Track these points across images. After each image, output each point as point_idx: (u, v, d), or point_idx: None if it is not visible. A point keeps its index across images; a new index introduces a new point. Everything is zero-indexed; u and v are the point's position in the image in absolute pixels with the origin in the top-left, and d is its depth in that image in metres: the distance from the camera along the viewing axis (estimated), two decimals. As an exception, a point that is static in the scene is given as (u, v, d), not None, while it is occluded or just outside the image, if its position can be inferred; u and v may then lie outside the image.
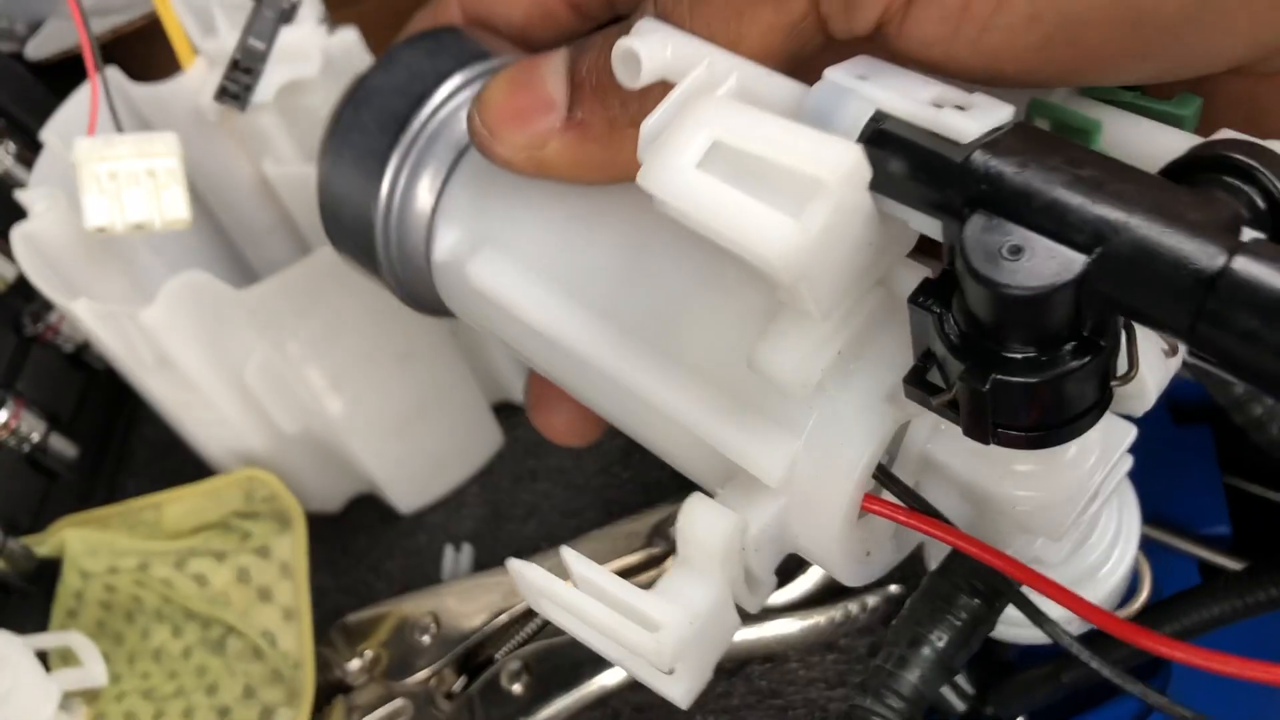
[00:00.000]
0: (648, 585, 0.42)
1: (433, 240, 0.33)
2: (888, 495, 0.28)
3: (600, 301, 0.30)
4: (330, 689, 0.51)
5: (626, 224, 0.30)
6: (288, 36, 0.50)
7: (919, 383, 0.24)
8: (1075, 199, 0.21)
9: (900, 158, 0.23)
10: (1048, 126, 0.29)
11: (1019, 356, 0.22)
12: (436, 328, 0.51)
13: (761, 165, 0.23)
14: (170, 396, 0.50)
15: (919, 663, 0.30)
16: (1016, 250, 0.21)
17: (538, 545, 0.54)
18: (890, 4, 0.24)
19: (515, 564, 0.28)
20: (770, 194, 0.22)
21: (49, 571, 0.54)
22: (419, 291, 0.35)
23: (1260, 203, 0.23)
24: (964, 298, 0.22)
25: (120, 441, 0.62)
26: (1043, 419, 0.23)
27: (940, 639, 0.30)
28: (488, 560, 0.54)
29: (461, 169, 0.32)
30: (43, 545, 0.54)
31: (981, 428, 0.23)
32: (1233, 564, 0.45)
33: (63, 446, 0.58)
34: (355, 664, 0.51)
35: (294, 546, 0.51)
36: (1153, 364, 0.28)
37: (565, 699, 0.48)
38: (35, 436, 0.56)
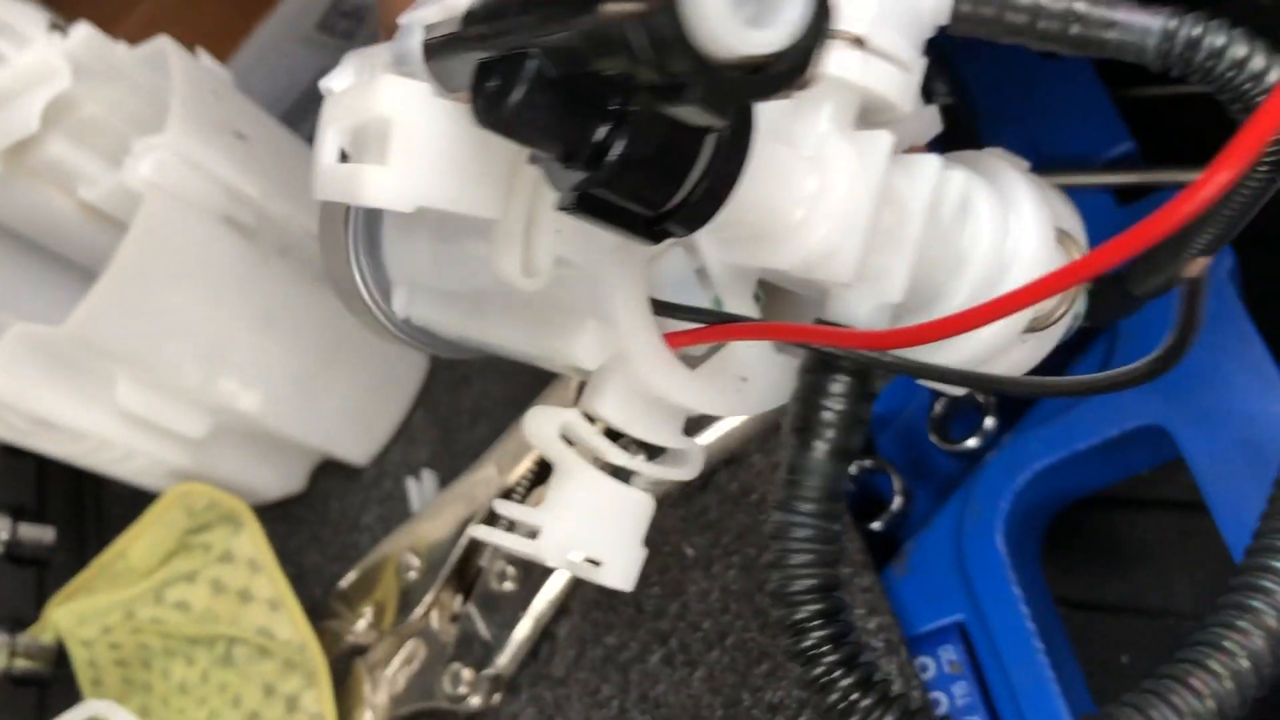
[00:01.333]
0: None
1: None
2: None
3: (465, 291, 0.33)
4: (349, 656, 0.51)
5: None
6: (22, 61, 0.47)
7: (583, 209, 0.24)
8: None
9: (440, 53, 0.25)
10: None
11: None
12: (287, 280, 0.49)
13: (365, 130, 0.25)
14: (69, 450, 0.49)
15: (816, 464, 0.29)
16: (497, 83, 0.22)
17: (491, 445, 0.52)
18: None
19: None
20: (372, 153, 0.25)
21: (65, 654, 0.55)
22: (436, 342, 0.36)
23: None
24: None
25: (94, 505, 0.62)
26: (662, 199, 0.23)
27: (827, 432, 0.29)
28: (451, 477, 0.53)
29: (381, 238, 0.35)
30: (44, 633, 0.54)
31: (639, 231, 0.24)
32: (1148, 177, 0.41)
33: (37, 533, 0.58)
34: (361, 624, 0.51)
35: (253, 540, 0.50)
36: None
37: (556, 580, 0.47)
38: (4, 535, 0.57)
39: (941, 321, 0.24)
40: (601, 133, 0.21)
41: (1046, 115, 0.43)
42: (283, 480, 0.55)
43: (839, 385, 0.29)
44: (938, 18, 0.27)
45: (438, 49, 0.25)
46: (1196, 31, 0.25)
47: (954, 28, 0.27)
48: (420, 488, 0.53)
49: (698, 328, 0.29)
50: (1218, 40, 0.25)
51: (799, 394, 0.30)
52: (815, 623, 0.28)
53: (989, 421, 0.42)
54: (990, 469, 0.41)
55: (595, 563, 0.31)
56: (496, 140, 0.24)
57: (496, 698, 0.48)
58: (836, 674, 0.28)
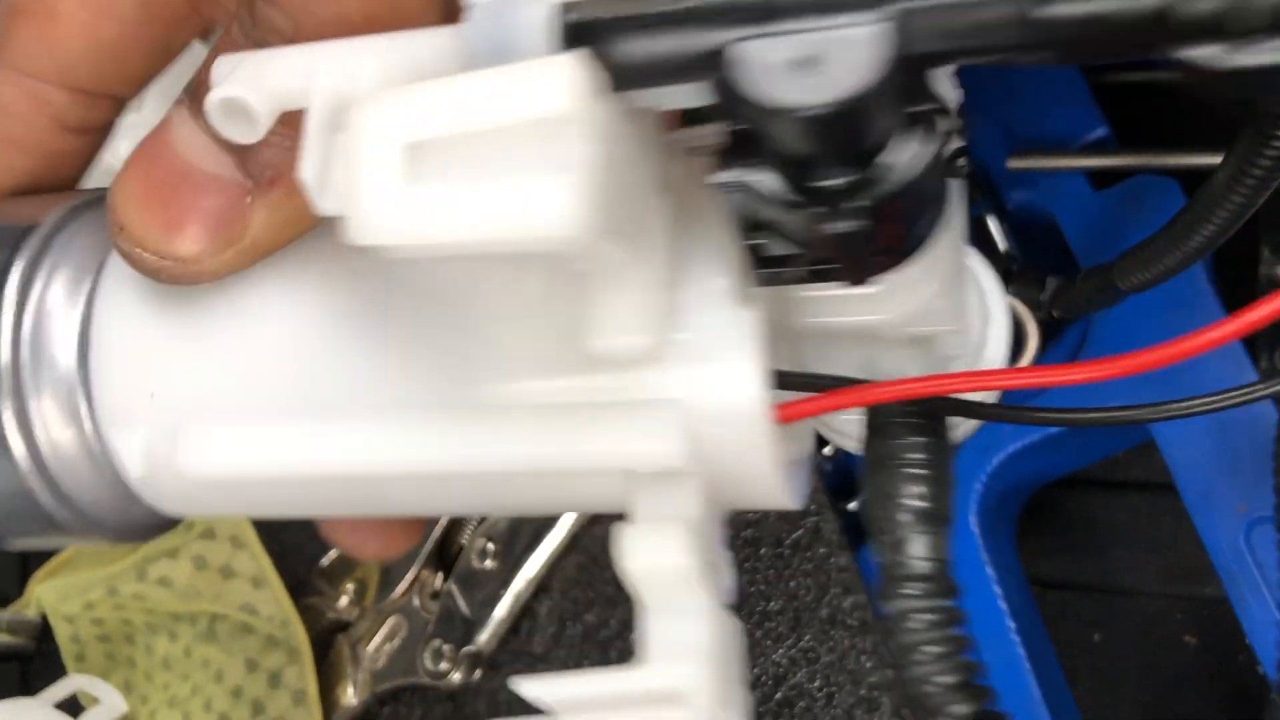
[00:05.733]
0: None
1: (116, 461, 0.25)
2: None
3: (380, 401, 0.24)
4: (331, 632, 0.51)
5: (335, 301, 0.24)
6: None
7: (763, 262, 0.21)
8: None
9: (620, 38, 0.19)
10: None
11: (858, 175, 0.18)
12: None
13: (482, 141, 0.18)
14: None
15: (910, 537, 0.25)
16: (805, 57, 0.17)
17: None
18: None
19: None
20: (514, 166, 0.18)
21: (49, 629, 0.55)
22: (131, 522, 0.27)
23: None
24: (774, 143, 0.18)
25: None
26: (909, 223, 0.20)
27: (914, 498, 0.25)
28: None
29: (94, 378, 0.25)
30: (28, 608, 0.54)
31: (861, 264, 0.20)
32: (1122, 161, 0.41)
33: (20, 508, 0.58)
34: (344, 601, 0.51)
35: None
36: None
37: (536, 558, 0.48)
38: (-14, 511, 0.57)
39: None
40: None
41: (1022, 100, 0.43)
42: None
43: (917, 442, 0.25)
44: None
45: (613, 30, 0.19)
46: None
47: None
48: (402, 466, 0.53)
49: (818, 394, 0.24)
50: None
51: (873, 465, 0.25)
52: None
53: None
54: (964, 451, 0.41)
55: None
56: (640, 155, 0.20)
57: (477, 674, 0.48)
58: None
